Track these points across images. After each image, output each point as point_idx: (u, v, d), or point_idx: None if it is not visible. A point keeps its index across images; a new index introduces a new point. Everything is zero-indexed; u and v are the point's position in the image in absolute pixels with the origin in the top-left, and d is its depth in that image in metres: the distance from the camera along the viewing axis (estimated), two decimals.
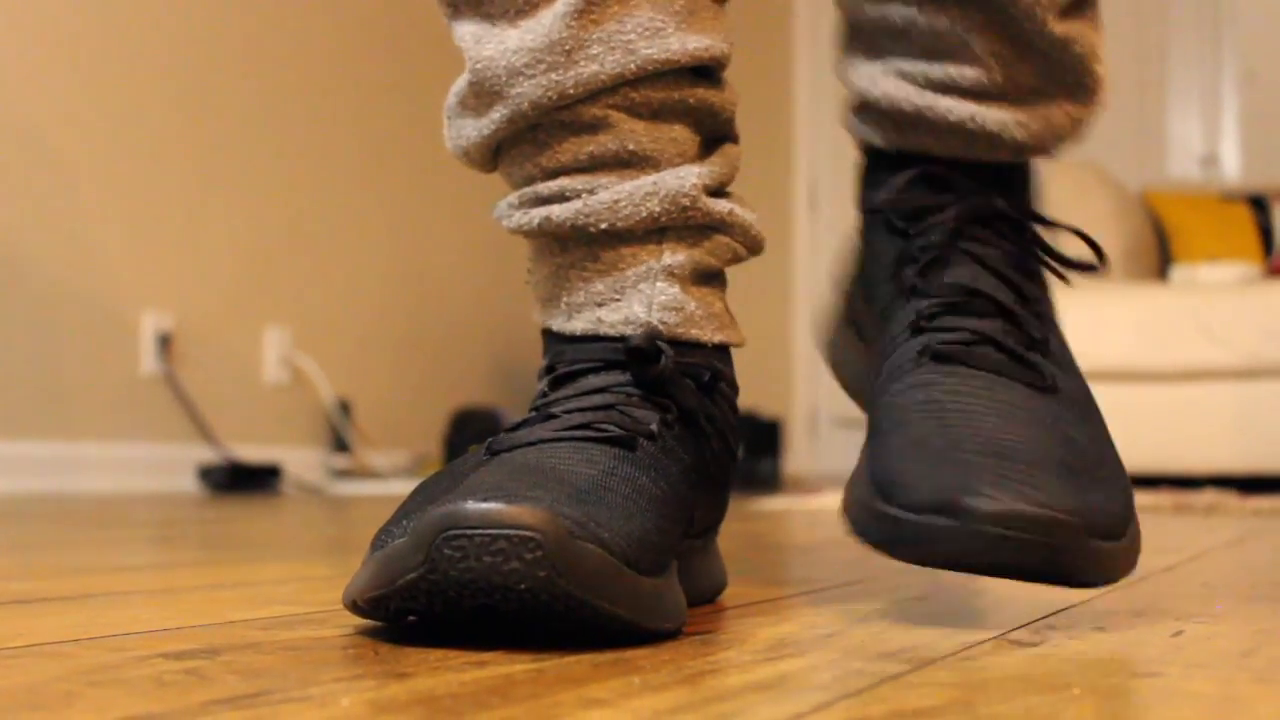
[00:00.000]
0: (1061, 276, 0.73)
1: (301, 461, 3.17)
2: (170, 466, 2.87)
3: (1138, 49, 4.44)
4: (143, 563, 1.02)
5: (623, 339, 0.68)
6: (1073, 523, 0.59)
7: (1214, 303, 3.31)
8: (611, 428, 0.63)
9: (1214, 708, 0.45)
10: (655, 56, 0.68)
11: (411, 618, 0.55)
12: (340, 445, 3.25)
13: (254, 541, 1.28)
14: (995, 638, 0.59)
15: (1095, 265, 0.73)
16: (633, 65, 0.68)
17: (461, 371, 3.64)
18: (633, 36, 0.68)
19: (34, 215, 2.67)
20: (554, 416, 0.65)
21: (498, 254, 3.68)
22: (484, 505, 0.52)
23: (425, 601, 0.53)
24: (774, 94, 4.85)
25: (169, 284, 2.92)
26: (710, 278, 0.73)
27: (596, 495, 0.58)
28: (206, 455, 2.92)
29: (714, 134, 0.74)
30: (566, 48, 0.67)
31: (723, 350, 0.73)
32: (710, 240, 0.71)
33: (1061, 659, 0.54)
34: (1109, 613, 0.70)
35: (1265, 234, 3.82)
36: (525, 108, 0.68)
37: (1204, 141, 4.47)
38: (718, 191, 0.72)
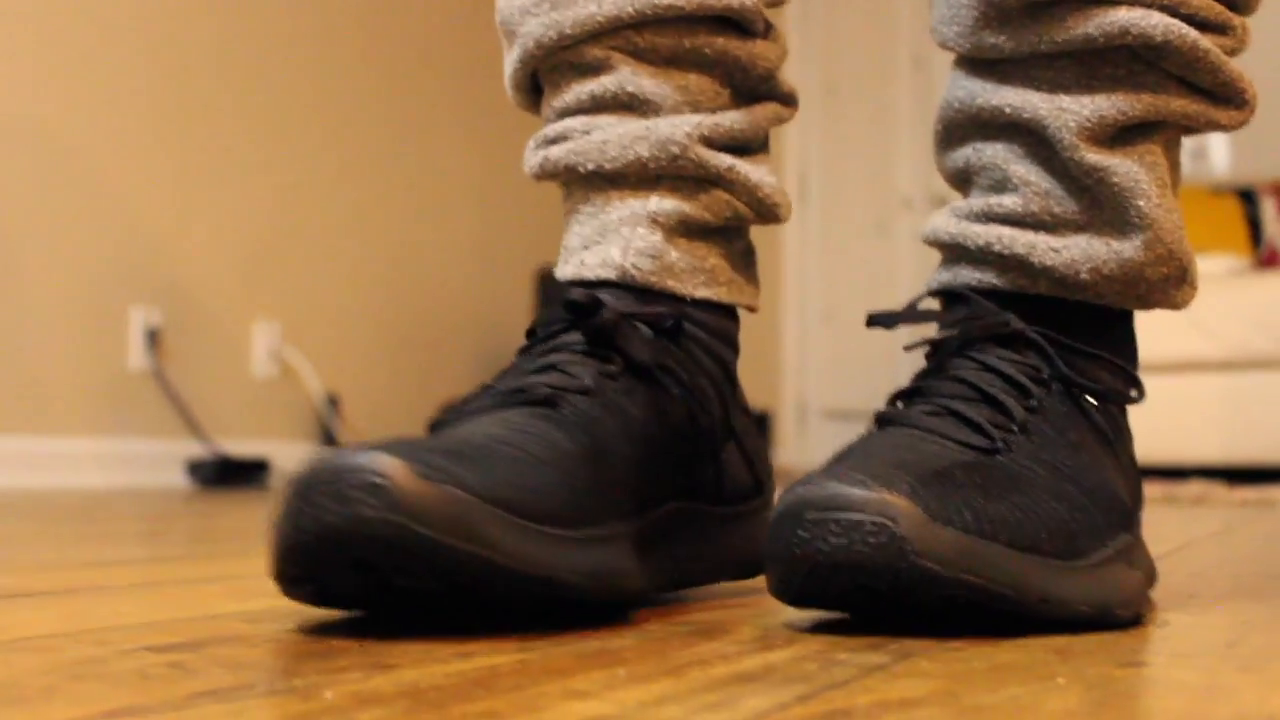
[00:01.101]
0: (1092, 401, 0.67)
1: (290, 455, 3.16)
2: (159, 461, 2.87)
3: None
4: (129, 557, 1.02)
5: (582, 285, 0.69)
6: (901, 504, 0.54)
7: (1203, 295, 3.32)
8: (542, 389, 0.63)
9: (1198, 697, 0.45)
10: (656, 1, 0.68)
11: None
12: (329, 439, 3.24)
13: (241, 535, 1.28)
14: (979, 629, 0.59)
15: (1130, 396, 0.68)
16: (630, 9, 0.68)
17: (449, 365, 3.63)
18: None
19: (21, 210, 2.66)
20: (491, 387, 0.65)
21: (486, 247, 3.68)
22: (340, 459, 0.51)
23: (301, 559, 0.52)
24: None
25: (157, 279, 2.91)
26: (708, 232, 0.71)
27: (487, 449, 0.56)
28: (195, 450, 2.92)
29: (750, 90, 0.72)
30: None
31: (712, 308, 0.71)
32: (707, 194, 0.70)
33: (1047, 649, 0.54)
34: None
35: (1253, 227, 3.83)
36: (531, 46, 0.70)
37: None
38: (725, 145, 0.71)
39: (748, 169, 0.71)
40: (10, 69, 2.65)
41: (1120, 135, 0.67)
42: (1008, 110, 0.68)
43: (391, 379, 3.48)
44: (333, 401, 3.26)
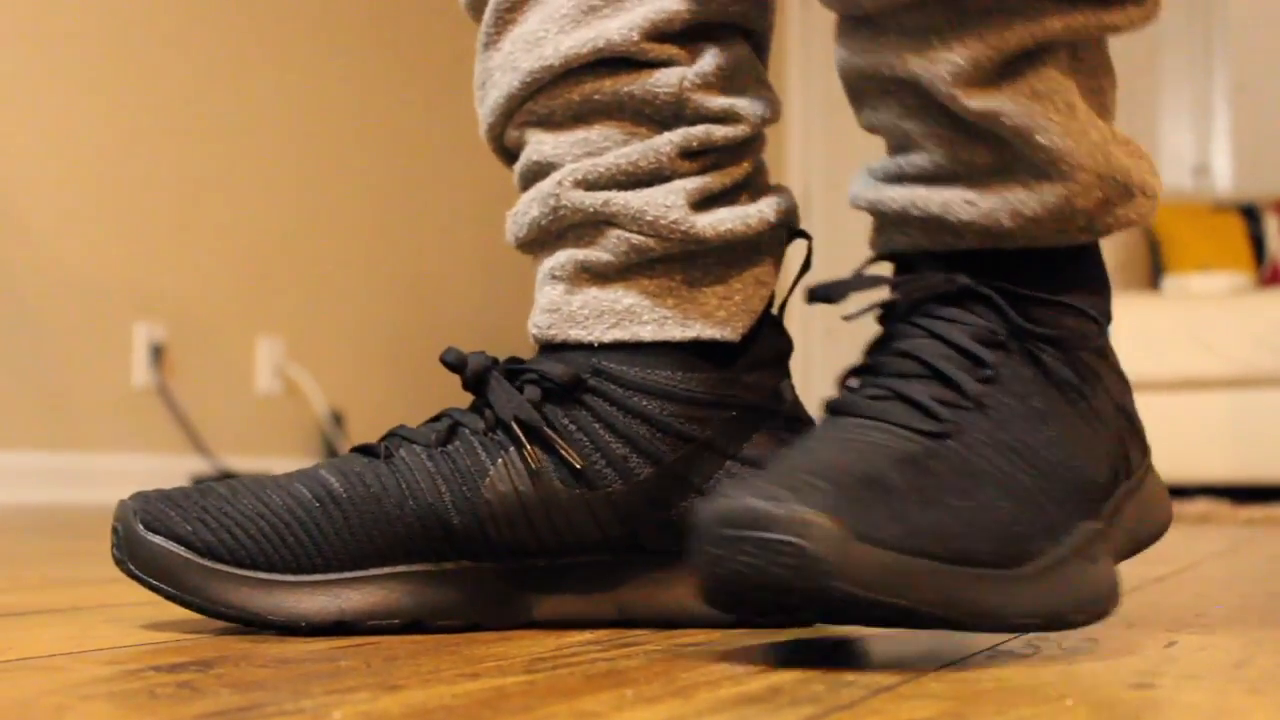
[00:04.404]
0: (1057, 354, 0.63)
1: None
2: (163, 477, 2.87)
3: (1129, 60, 4.44)
4: None
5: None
6: (818, 521, 0.51)
7: (1206, 312, 3.32)
8: (390, 440, 0.69)
9: (1207, 719, 0.45)
10: (532, 68, 0.69)
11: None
12: (333, 456, 3.24)
13: None
14: (988, 649, 0.59)
15: (1099, 337, 0.65)
16: (516, 83, 0.70)
17: (454, 383, 3.63)
18: (517, 53, 0.70)
19: (26, 226, 2.66)
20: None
21: (491, 264, 3.68)
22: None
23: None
24: None
25: (161, 295, 2.92)
26: (621, 271, 0.69)
27: (224, 498, 0.65)
28: (199, 466, 2.92)
29: (662, 119, 0.69)
30: (480, 81, 0.73)
31: (631, 349, 0.68)
32: (601, 234, 0.69)
33: (1055, 670, 0.54)
34: (1101, 624, 0.69)
35: (1257, 244, 3.82)
36: (484, 139, 0.74)
37: (1196, 152, 4.48)
38: (612, 183, 0.69)
39: (627, 198, 0.68)
40: (10, 83, 2.66)
41: (1004, 70, 0.62)
42: (885, 71, 0.64)
43: (396, 395, 3.48)
44: (337, 418, 3.26)
